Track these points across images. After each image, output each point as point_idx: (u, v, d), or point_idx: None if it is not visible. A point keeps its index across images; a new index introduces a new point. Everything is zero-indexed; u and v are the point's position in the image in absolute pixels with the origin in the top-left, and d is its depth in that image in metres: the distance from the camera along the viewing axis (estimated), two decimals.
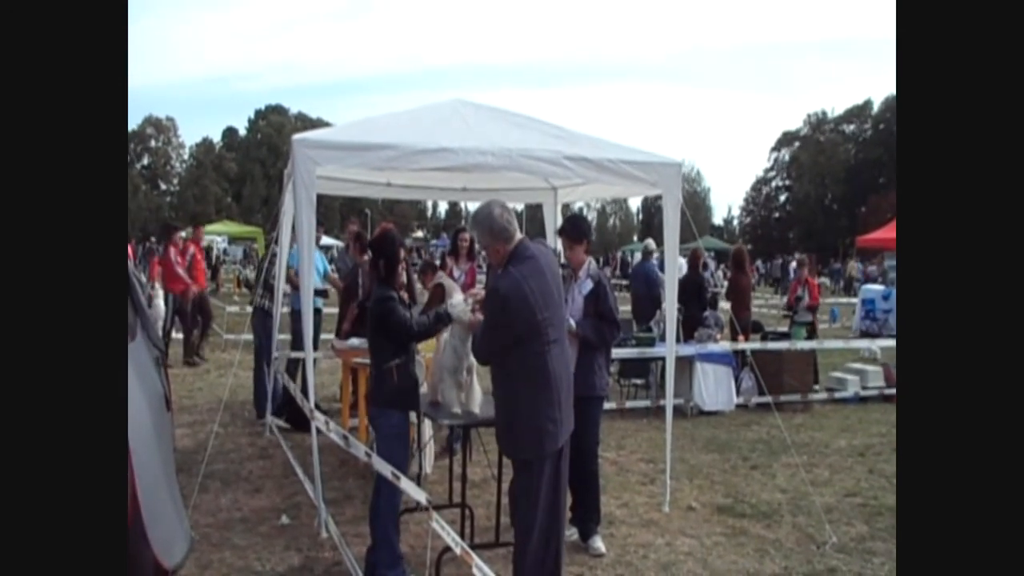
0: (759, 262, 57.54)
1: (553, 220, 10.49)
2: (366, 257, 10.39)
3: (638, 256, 41.20)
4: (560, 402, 5.16)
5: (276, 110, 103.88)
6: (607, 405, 11.26)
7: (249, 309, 13.03)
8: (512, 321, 5.03)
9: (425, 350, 6.95)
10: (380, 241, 6.24)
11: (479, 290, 5.95)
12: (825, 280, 47.32)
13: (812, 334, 14.85)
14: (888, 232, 33.00)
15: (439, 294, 7.98)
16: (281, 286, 10.60)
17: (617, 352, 11.32)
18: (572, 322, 6.39)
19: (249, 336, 11.34)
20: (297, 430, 9.81)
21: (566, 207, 11.25)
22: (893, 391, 13.79)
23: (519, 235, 5.28)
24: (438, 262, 11.41)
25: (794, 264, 48.45)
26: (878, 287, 20.44)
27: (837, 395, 13.53)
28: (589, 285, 6.75)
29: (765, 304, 29.78)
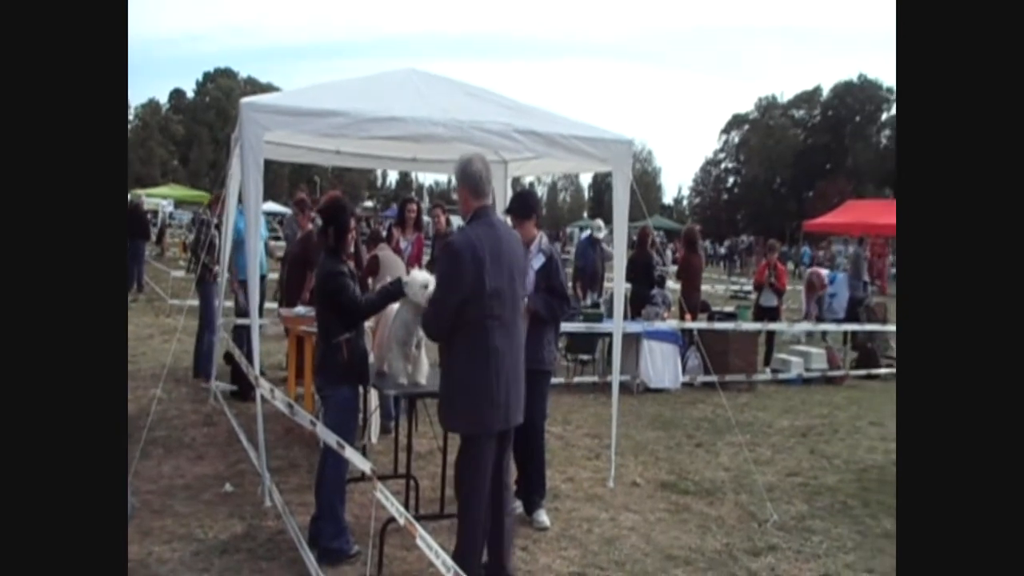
0: (707, 242, 57.97)
1: (503, 193, 10.42)
2: (311, 225, 10.29)
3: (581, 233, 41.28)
4: (502, 383, 5.07)
5: (225, 73, 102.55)
6: (554, 380, 11.28)
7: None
8: (462, 278, 4.94)
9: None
10: (330, 208, 6.08)
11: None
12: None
13: (776, 317, 14.97)
14: (835, 217, 33.49)
15: (374, 267, 7.89)
16: (227, 252, 10.46)
17: (565, 327, 11.36)
18: (526, 299, 6.33)
19: (194, 302, 11.19)
20: (243, 399, 9.74)
21: (516, 181, 11.21)
22: (835, 373, 14.03)
23: (489, 200, 5.33)
24: (385, 233, 11.31)
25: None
26: (822, 271, 20.57)
27: (781, 376, 13.72)
28: (541, 259, 6.72)
29: (712, 286, 30.03)
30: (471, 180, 5.24)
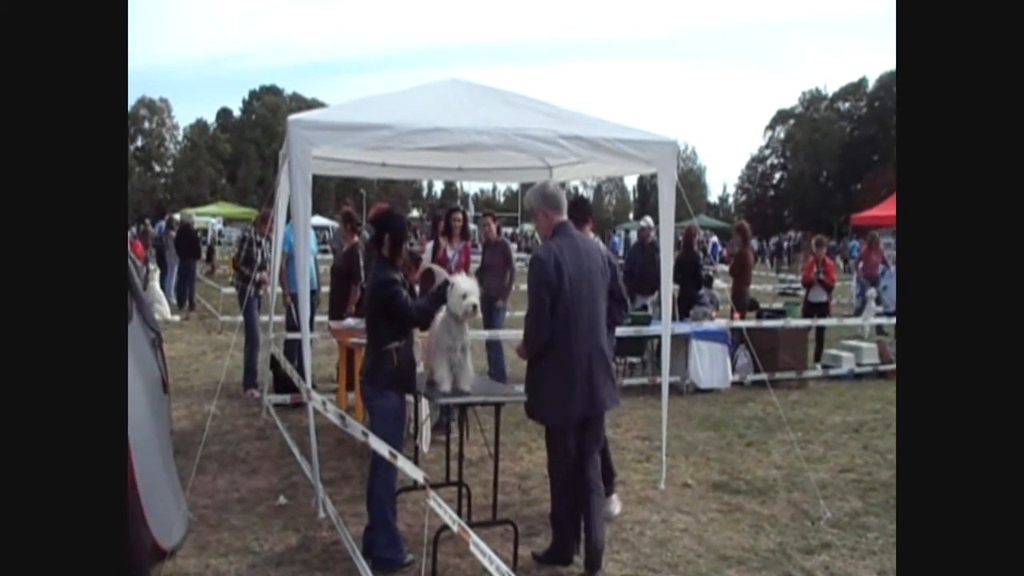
0: (755, 239, 57.58)
1: None
2: (356, 239, 10.38)
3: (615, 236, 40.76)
4: (580, 380, 5.66)
5: (271, 91, 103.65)
6: None
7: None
8: (549, 281, 5.55)
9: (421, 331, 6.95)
10: (385, 216, 6.16)
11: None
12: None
13: (826, 313, 14.92)
14: (884, 210, 33.01)
15: (430, 280, 7.96)
16: (276, 267, 10.63)
17: None
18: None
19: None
20: (289, 402, 9.94)
21: (562, 186, 11.25)
22: (887, 367, 13.86)
23: (566, 216, 5.92)
24: (431, 243, 11.38)
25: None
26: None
27: (832, 372, 13.60)
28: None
29: (761, 284, 29.85)
30: (551, 199, 5.89)
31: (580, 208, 7.12)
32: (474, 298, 5.80)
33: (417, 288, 7.99)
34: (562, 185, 11.24)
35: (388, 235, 5.92)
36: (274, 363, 10.42)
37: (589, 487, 5.88)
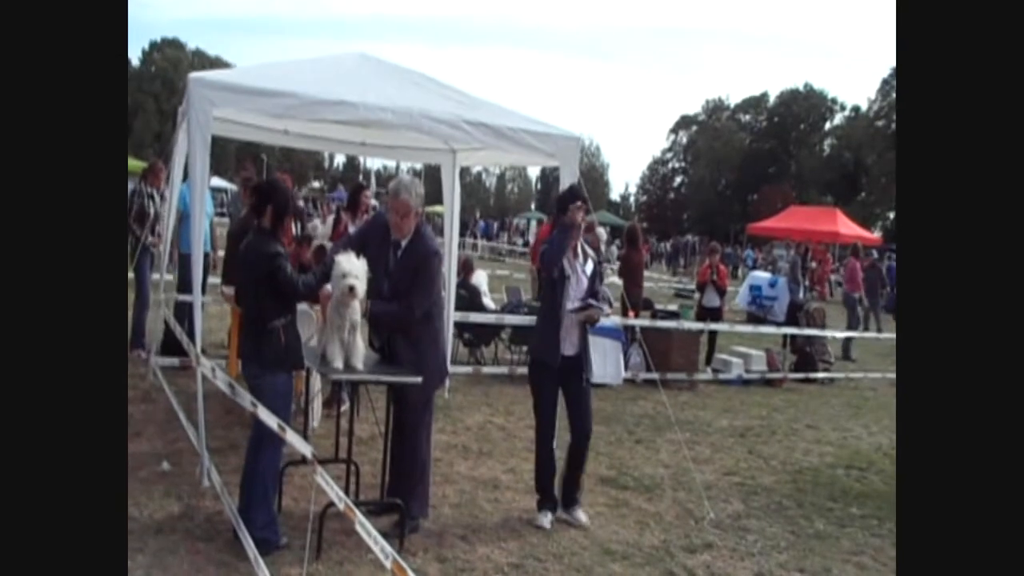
0: (653, 240, 58.56)
1: (451, 181, 10.41)
2: None
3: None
4: None
5: (172, 44, 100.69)
6: (499, 370, 11.38)
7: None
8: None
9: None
10: (269, 187, 5.89)
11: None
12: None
13: (719, 318, 15.20)
14: (778, 222, 33.99)
15: (320, 257, 7.84)
16: (171, 225, 10.31)
17: (510, 319, 11.52)
18: (605, 307, 6.62)
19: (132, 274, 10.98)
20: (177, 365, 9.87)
21: (465, 170, 11.21)
22: (774, 375, 14.19)
23: None
24: (333, 216, 11.21)
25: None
26: (765, 274, 20.81)
27: (721, 376, 13.84)
28: (591, 264, 6.77)
29: (656, 284, 30.25)
30: (422, 195, 6.06)
31: (578, 195, 6.76)
32: (352, 280, 5.61)
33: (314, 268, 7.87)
34: (465, 169, 11.24)
35: (271, 206, 5.65)
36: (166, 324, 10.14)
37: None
